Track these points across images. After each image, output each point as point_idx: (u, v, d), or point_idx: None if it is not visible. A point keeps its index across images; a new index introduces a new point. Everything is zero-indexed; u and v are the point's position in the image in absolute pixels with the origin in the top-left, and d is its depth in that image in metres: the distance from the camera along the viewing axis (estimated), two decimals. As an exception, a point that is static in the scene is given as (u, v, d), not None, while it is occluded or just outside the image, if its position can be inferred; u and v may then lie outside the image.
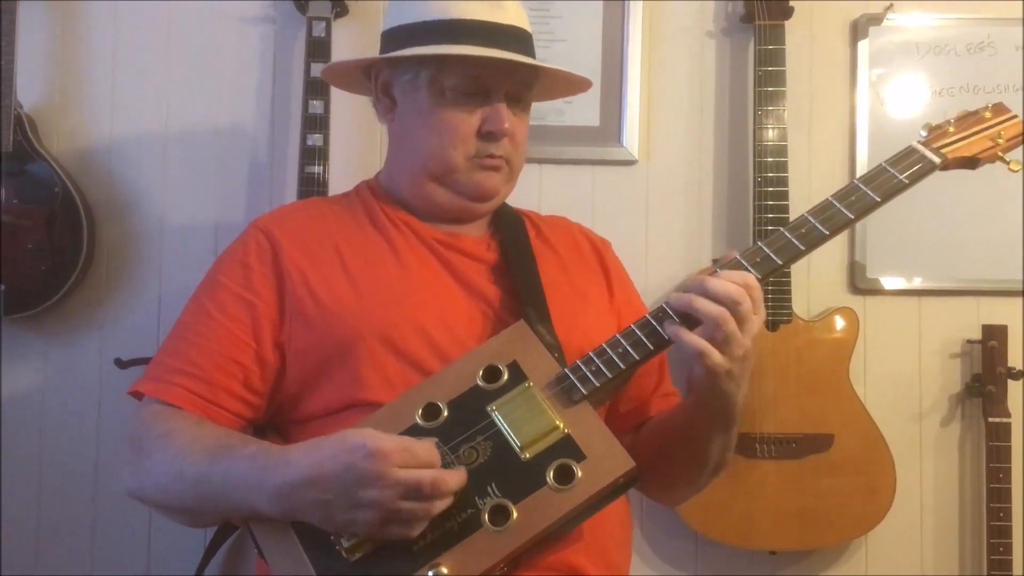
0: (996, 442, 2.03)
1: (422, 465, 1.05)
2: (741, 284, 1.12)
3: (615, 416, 1.40)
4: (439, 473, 1.06)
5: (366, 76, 1.44)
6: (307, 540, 1.10)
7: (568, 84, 1.48)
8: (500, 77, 1.32)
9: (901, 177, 1.18)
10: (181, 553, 2.09)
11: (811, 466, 2.02)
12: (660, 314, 1.16)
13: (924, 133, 1.23)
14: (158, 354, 1.30)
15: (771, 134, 2.05)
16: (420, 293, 1.30)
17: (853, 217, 1.17)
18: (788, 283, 2.03)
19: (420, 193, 1.38)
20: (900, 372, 2.18)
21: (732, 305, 1.10)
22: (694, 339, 1.11)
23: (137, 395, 1.28)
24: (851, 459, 2.02)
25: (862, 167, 2.16)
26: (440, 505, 1.06)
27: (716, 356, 1.11)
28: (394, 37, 1.35)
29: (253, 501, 1.10)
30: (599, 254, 1.52)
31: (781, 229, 1.18)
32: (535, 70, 1.36)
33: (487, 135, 1.32)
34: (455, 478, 1.07)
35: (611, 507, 1.17)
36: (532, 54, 1.36)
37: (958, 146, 1.22)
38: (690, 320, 1.13)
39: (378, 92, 1.41)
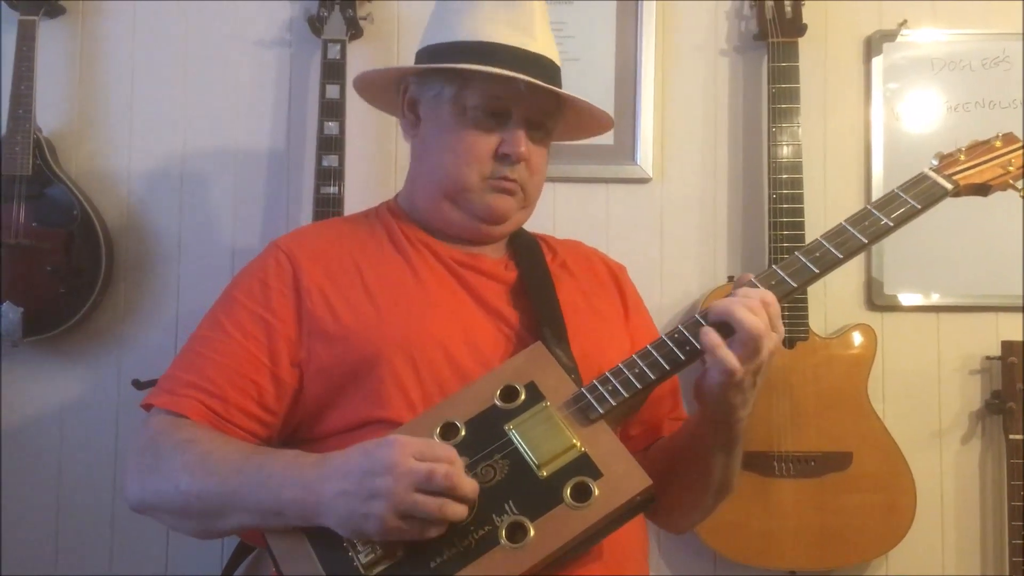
0: (1017, 459, 2.02)
1: (438, 460, 1.06)
2: (760, 302, 1.12)
3: (626, 439, 1.40)
4: (453, 468, 1.06)
5: (397, 93, 1.45)
6: (325, 556, 1.10)
7: (588, 124, 1.49)
8: (521, 101, 1.33)
9: (914, 203, 1.19)
10: (197, 571, 2.09)
11: (830, 484, 2.00)
12: (692, 327, 1.16)
13: (935, 161, 1.25)
14: (172, 368, 1.30)
15: (786, 151, 2.05)
16: (440, 312, 1.30)
17: (867, 242, 1.18)
18: (805, 300, 2.02)
19: (435, 211, 1.39)
20: (919, 389, 2.17)
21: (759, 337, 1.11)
22: (729, 355, 1.11)
23: (148, 408, 1.28)
24: (870, 477, 2.01)
25: (878, 183, 2.16)
26: (453, 509, 1.05)
27: (741, 374, 1.11)
28: (425, 56, 1.38)
29: (281, 495, 1.10)
30: (615, 278, 1.52)
31: (796, 253, 1.19)
32: (558, 99, 1.37)
33: (503, 157, 1.33)
34: (469, 482, 1.07)
35: (628, 524, 1.16)
36: (558, 85, 1.36)
37: (969, 173, 1.24)
38: (721, 331, 1.13)
39: (404, 108, 1.42)
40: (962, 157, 1.25)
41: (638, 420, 1.41)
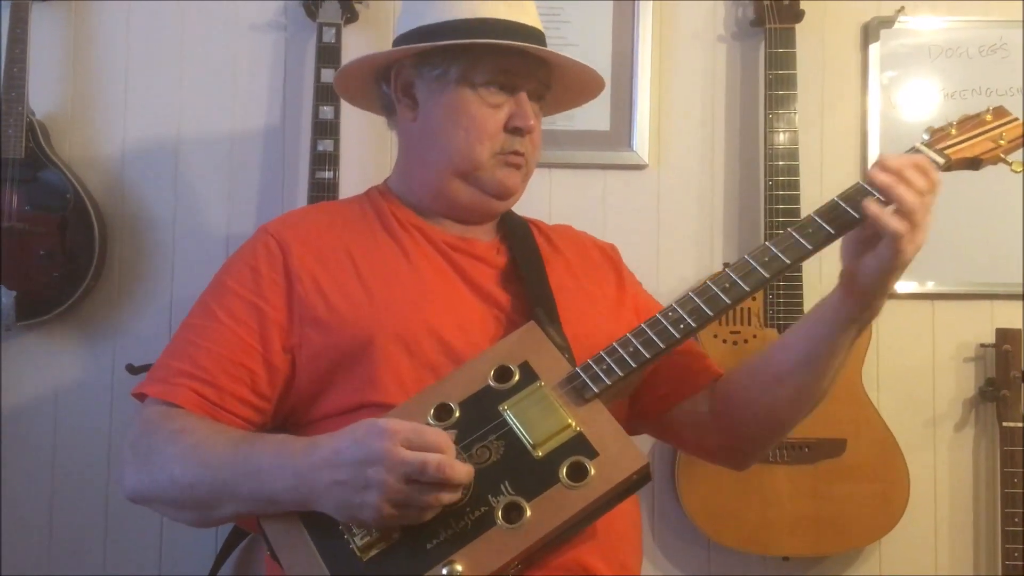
0: (1010, 447, 2.02)
1: (429, 448, 1.05)
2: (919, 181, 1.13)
3: (655, 400, 1.40)
4: (445, 458, 1.05)
5: (382, 80, 1.43)
6: (320, 540, 1.10)
7: (578, 93, 1.50)
8: (527, 74, 1.35)
9: None
10: (192, 557, 2.09)
11: (824, 471, 2.00)
12: (855, 193, 1.15)
13: (926, 136, 1.25)
14: (163, 356, 1.29)
15: (782, 138, 2.05)
16: (432, 296, 1.30)
17: (859, 216, 1.16)
18: (800, 286, 2.02)
19: (442, 192, 1.38)
20: (913, 376, 2.18)
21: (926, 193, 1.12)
22: (894, 219, 1.10)
23: (141, 397, 1.28)
24: (864, 464, 2.01)
25: (873, 170, 2.16)
26: (448, 498, 1.06)
27: (910, 241, 1.11)
28: (415, 38, 1.36)
29: (273, 485, 1.10)
30: (608, 256, 1.53)
31: (789, 229, 1.19)
32: (551, 70, 1.39)
33: (514, 130, 1.34)
34: (462, 469, 1.06)
35: (622, 507, 1.16)
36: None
37: (960, 147, 1.24)
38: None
39: (398, 92, 1.40)
40: (953, 131, 1.25)
41: (664, 379, 1.40)
